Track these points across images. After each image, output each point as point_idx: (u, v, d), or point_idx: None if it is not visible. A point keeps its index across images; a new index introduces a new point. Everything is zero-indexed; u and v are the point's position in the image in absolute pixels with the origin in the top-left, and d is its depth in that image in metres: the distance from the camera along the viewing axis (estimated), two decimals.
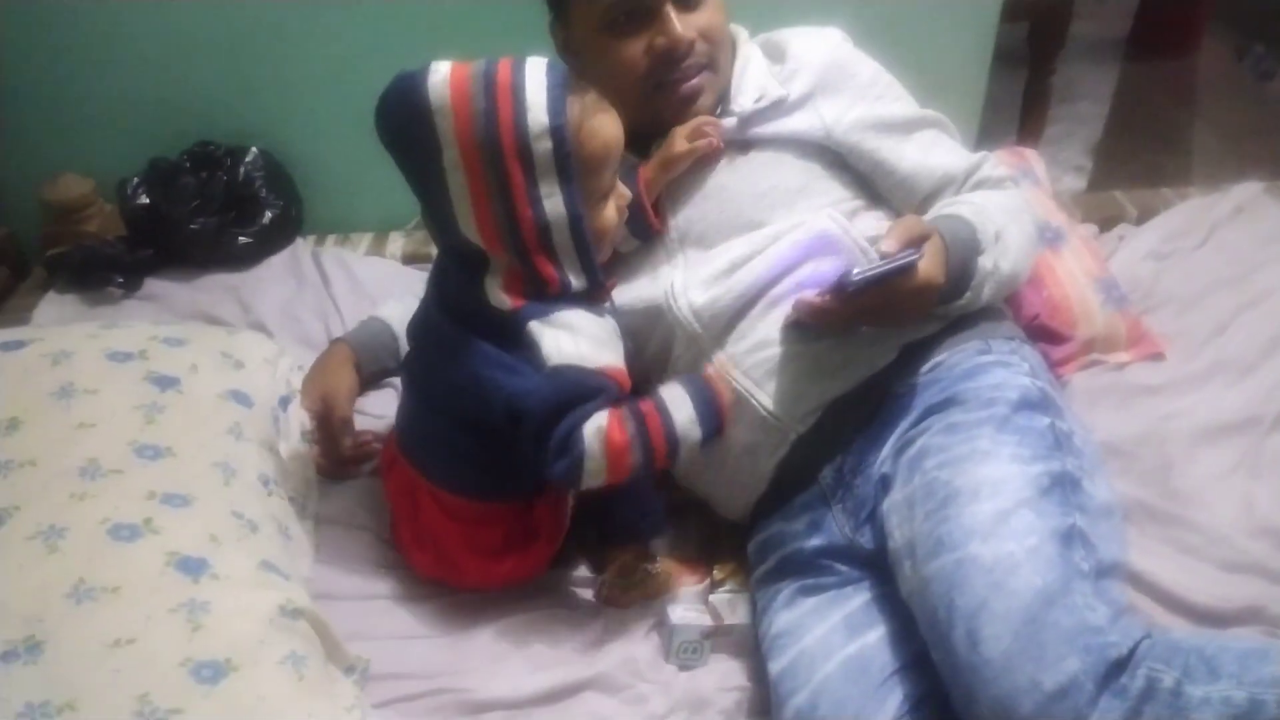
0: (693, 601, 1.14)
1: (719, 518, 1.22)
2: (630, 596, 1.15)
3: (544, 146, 0.94)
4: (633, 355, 1.09)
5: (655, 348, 1.16)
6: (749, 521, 1.19)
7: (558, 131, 0.94)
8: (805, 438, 1.10)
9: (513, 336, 0.99)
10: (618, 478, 0.99)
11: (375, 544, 1.20)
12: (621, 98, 1.12)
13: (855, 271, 0.99)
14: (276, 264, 1.64)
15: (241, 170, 1.67)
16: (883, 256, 1.01)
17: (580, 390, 0.98)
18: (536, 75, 0.96)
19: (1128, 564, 0.95)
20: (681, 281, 1.13)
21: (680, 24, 1.11)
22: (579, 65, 1.16)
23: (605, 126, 0.99)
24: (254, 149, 1.69)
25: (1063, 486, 0.96)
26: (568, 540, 1.17)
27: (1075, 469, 0.99)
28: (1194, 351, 1.37)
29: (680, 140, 1.14)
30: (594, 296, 1.03)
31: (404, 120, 0.95)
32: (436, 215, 0.99)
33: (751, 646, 1.11)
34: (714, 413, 1.02)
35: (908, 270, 1.00)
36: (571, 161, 0.95)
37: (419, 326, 1.14)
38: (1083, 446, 1.03)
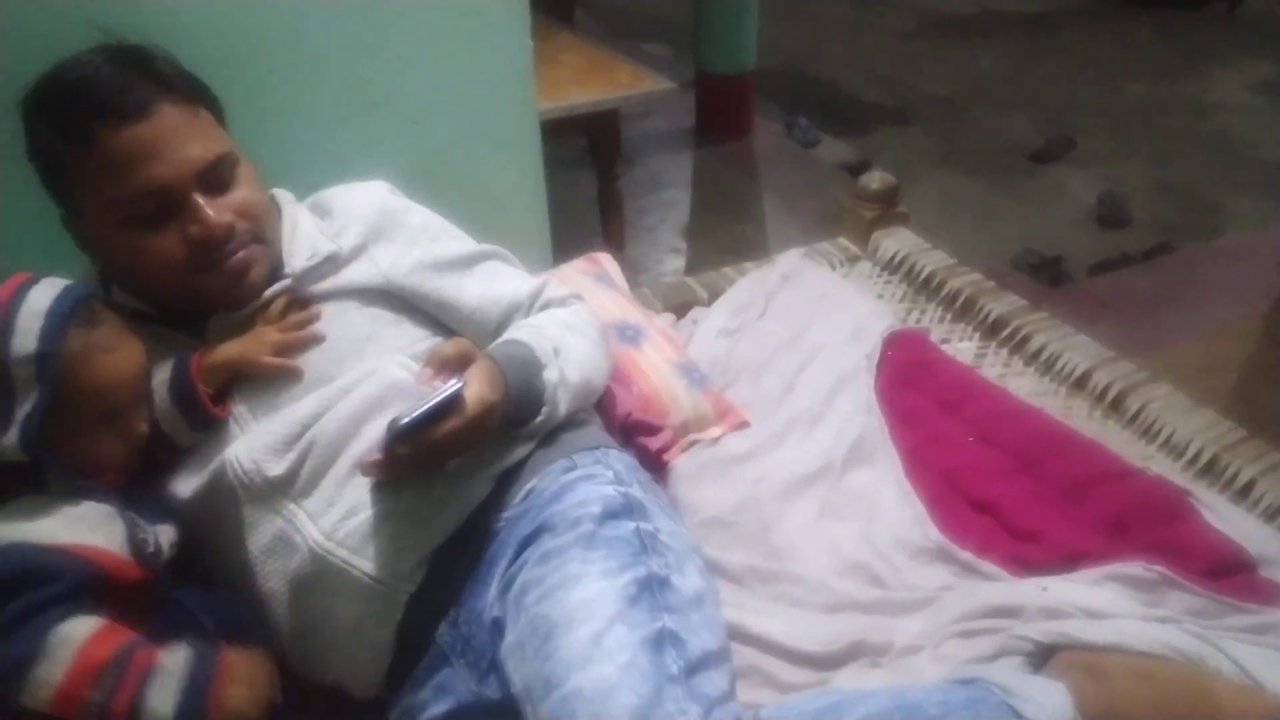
0: None
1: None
2: None
3: (24, 373, 0.92)
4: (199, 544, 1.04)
5: (230, 527, 1.08)
6: (387, 695, 1.12)
7: (42, 360, 0.92)
8: (417, 596, 1.07)
9: None
10: (56, 710, 0.85)
11: None
12: (161, 287, 1.07)
13: (401, 417, 0.99)
14: None
15: None
16: (422, 394, 1.01)
17: (25, 572, 0.88)
18: (42, 299, 0.95)
19: (723, 648, 1.00)
20: (246, 449, 1.07)
21: (213, 210, 1.06)
22: (103, 260, 1.09)
23: (112, 364, 0.98)
24: None
25: (651, 590, 0.99)
26: None
27: (662, 568, 1.02)
28: (770, 413, 1.50)
29: (268, 353, 1.09)
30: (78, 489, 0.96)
31: None
32: None
33: None
34: (200, 705, 0.91)
35: (455, 401, 1.01)
36: (50, 391, 0.92)
37: None
38: (670, 541, 1.07)
